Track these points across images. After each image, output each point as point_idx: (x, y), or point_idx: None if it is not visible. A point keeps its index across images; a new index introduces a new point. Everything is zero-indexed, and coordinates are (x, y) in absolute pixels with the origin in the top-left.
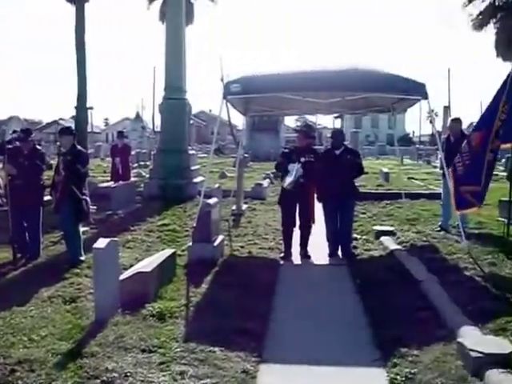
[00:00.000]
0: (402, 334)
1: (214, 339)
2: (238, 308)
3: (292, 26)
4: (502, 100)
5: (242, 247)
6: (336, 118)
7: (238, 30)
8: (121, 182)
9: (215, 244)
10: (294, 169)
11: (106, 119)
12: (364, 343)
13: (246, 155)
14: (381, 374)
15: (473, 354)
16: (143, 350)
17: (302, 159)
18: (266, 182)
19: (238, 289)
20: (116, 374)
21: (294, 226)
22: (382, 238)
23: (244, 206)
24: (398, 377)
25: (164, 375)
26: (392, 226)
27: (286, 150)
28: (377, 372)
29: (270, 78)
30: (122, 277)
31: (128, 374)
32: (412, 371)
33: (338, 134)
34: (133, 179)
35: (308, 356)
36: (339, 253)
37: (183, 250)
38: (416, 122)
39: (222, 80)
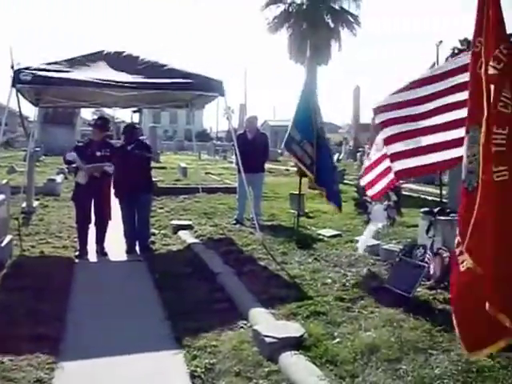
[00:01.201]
0: (201, 325)
1: (3, 349)
2: (31, 312)
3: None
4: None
5: (33, 247)
6: (134, 112)
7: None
8: None
9: (2, 245)
10: (74, 157)
11: None
12: (163, 337)
13: (37, 149)
14: (181, 366)
15: (267, 339)
16: None
17: (98, 153)
18: (59, 178)
19: (30, 292)
20: None
21: (90, 222)
22: (180, 232)
23: (35, 203)
24: (198, 368)
25: None
26: (190, 220)
27: (80, 144)
28: (177, 365)
29: (63, 68)
30: None
31: None
32: (211, 362)
33: (129, 129)
34: None
35: (107, 354)
36: (137, 248)
37: None
38: (214, 118)
39: (12, 67)
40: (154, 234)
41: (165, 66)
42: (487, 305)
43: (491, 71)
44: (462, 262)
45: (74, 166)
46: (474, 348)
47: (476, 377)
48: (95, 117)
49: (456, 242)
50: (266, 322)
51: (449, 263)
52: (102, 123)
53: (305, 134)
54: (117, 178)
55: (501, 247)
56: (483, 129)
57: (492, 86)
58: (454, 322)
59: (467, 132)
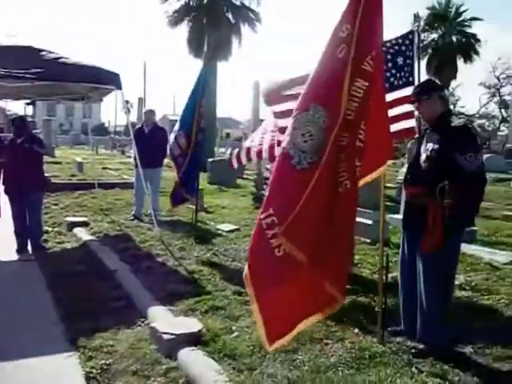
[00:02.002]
0: (96, 325)
1: None
2: None
3: None
4: (198, 98)
5: None
6: (28, 104)
7: None
8: None
9: None
10: None
11: None
12: (57, 339)
13: None
14: (76, 368)
15: (165, 336)
16: None
17: None
18: None
19: None
20: None
21: None
22: (75, 230)
23: None
24: (94, 369)
25: None
26: (85, 216)
27: None
28: (72, 367)
29: None
30: None
31: None
32: (107, 362)
33: (19, 122)
34: None
35: None
36: (29, 247)
37: None
38: (112, 111)
39: None
40: (46, 232)
41: (59, 57)
42: (328, 285)
43: (368, 68)
44: (278, 246)
45: None
46: (275, 337)
47: (368, 363)
48: None
49: (268, 222)
50: (164, 319)
51: None
52: None
53: (183, 125)
54: (6, 173)
55: (330, 235)
56: (340, 120)
57: (366, 83)
58: (258, 311)
59: (305, 110)
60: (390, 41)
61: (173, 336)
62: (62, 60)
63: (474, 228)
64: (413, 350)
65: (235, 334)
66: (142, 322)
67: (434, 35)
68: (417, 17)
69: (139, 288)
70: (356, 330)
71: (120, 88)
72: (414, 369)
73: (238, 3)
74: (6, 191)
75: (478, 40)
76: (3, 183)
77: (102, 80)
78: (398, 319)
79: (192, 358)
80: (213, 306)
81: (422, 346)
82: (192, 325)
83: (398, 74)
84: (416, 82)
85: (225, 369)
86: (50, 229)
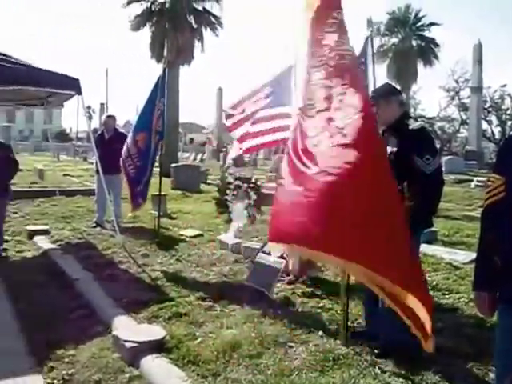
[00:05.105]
0: (58, 336)
1: None
2: None
3: None
4: (157, 100)
5: None
6: None
7: None
8: None
9: None
10: None
11: None
12: (17, 351)
13: None
14: (37, 380)
15: (128, 344)
16: None
17: None
18: None
19: None
20: None
21: None
22: (36, 238)
23: None
24: (55, 381)
25: None
26: (46, 224)
27: None
28: (33, 379)
29: None
30: None
31: None
32: (69, 372)
33: None
34: None
35: None
36: None
37: None
38: (74, 117)
39: None
40: (6, 241)
41: (17, 61)
42: None
43: None
44: None
45: None
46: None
47: (332, 365)
48: None
49: None
50: (127, 327)
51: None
52: None
53: (137, 127)
54: None
55: None
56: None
57: None
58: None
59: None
60: None
61: (135, 344)
62: (21, 64)
63: (435, 229)
64: (376, 351)
65: (199, 339)
66: (105, 330)
67: (395, 39)
68: (370, 22)
69: (101, 296)
70: (320, 333)
71: (80, 93)
72: (377, 369)
73: (200, 8)
74: None
75: (437, 44)
76: None
77: (61, 85)
78: (361, 321)
79: (155, 366)
80: (176, 312)
81: (385, 346)
82: (155, 332)
83: None
84: (372, 87)
85: (188, 375)
86: (9, 238)
